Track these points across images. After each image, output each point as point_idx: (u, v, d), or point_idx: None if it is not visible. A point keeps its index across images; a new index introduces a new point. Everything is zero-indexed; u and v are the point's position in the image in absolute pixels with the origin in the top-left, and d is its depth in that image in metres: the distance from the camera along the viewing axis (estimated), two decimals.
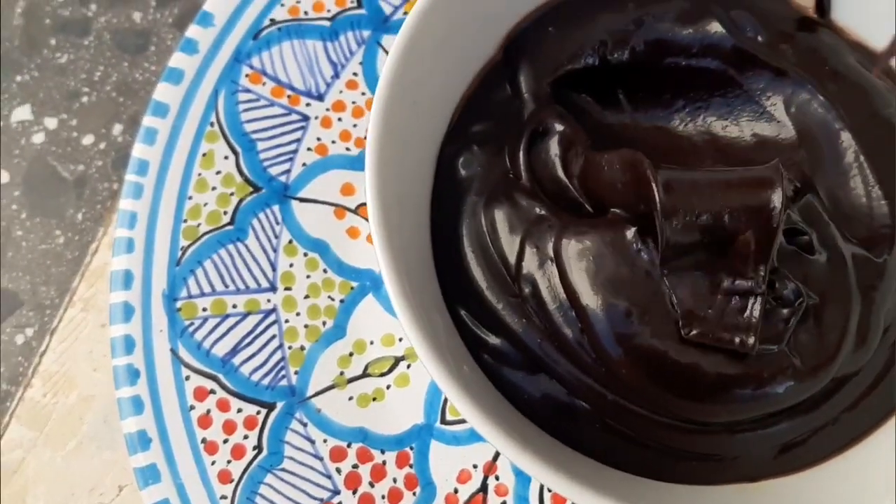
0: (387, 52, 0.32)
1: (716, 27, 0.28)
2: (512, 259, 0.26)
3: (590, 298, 0.25)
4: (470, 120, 0.29)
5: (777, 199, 0.23)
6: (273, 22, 0.34)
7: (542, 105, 0.28)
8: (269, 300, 0.31)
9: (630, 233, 0.25)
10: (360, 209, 0.33)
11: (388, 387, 0.31)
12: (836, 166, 0.27)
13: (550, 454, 0.22)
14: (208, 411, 0.30)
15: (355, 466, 0.30)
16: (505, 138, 0.28)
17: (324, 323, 0.31)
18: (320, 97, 0.34)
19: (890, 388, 0.26)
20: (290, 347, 0.31)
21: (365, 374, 0.31)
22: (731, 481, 0.25)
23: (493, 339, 0.26)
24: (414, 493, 0.29)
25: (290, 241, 0.32)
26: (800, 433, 0.26)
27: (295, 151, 0.33)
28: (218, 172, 0.32)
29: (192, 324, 0.31)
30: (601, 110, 0.29)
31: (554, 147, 0.28)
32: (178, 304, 0.31)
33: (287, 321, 0.31)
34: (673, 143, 0.29)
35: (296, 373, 0.31)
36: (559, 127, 0.27)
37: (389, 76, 0.25)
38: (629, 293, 0.24)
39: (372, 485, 0.29)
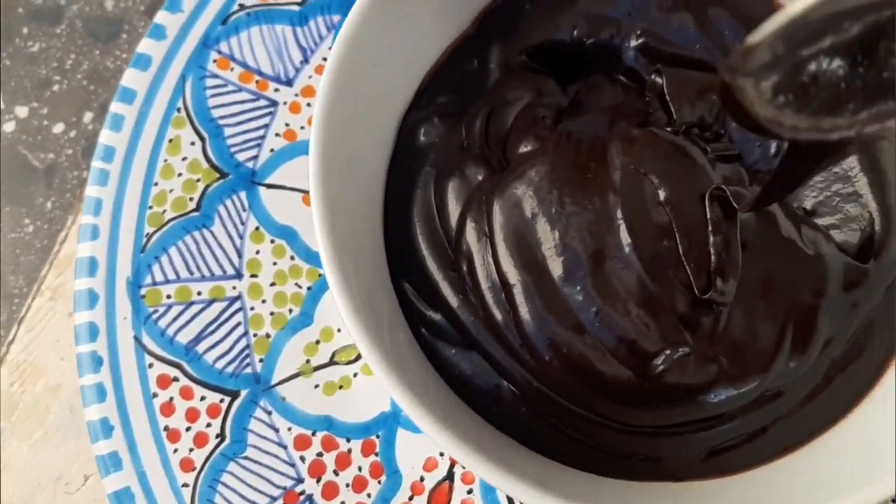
0: None
1: (690, 25, 0.28)
2: (453, 233, 0.26)
3: (516, 277, 0.24)
4: (436, 90, 0.28)
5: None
6: (242, 7, 0.34)
7: (509, 76, 0.27)
8: (234, 287, 0.31)
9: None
10: None
11: (354, 375, 0.31)
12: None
13: (471, 431, 0.22)
14: (171, 399, 0.29)
15: (320, 454, 0.29)
16: (466, 109, 0.27)
17: (290, 310, 0.31)
18: (289, 82, 0.34)
19: (826, 401, 0.25)
20: (255, 335, 0.31)
21: (332, 362, 0.31)
22: (655, 479, 0.24)
23: (432, 314, 0.26)
24: (379, 482, 0.29)
25: (257, 228, 0.32)
26: (731, 438, 0.25)
27: (263, 137, 0.33)
28: (184, 158, 0.32)
29: (156, 311, 0.30)
30: (567, 89, 0.29)
31: (510, 118, 0.27)
32: (143, 290, 0.30)
33: (253, 308, 0.31)
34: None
35: (261, 360, 0.30)
36: (523, 97, 0.27)
37: (348, 32, 0.24)
38: (560, 266, 0.23)
39: (336, 473, 0.29)
